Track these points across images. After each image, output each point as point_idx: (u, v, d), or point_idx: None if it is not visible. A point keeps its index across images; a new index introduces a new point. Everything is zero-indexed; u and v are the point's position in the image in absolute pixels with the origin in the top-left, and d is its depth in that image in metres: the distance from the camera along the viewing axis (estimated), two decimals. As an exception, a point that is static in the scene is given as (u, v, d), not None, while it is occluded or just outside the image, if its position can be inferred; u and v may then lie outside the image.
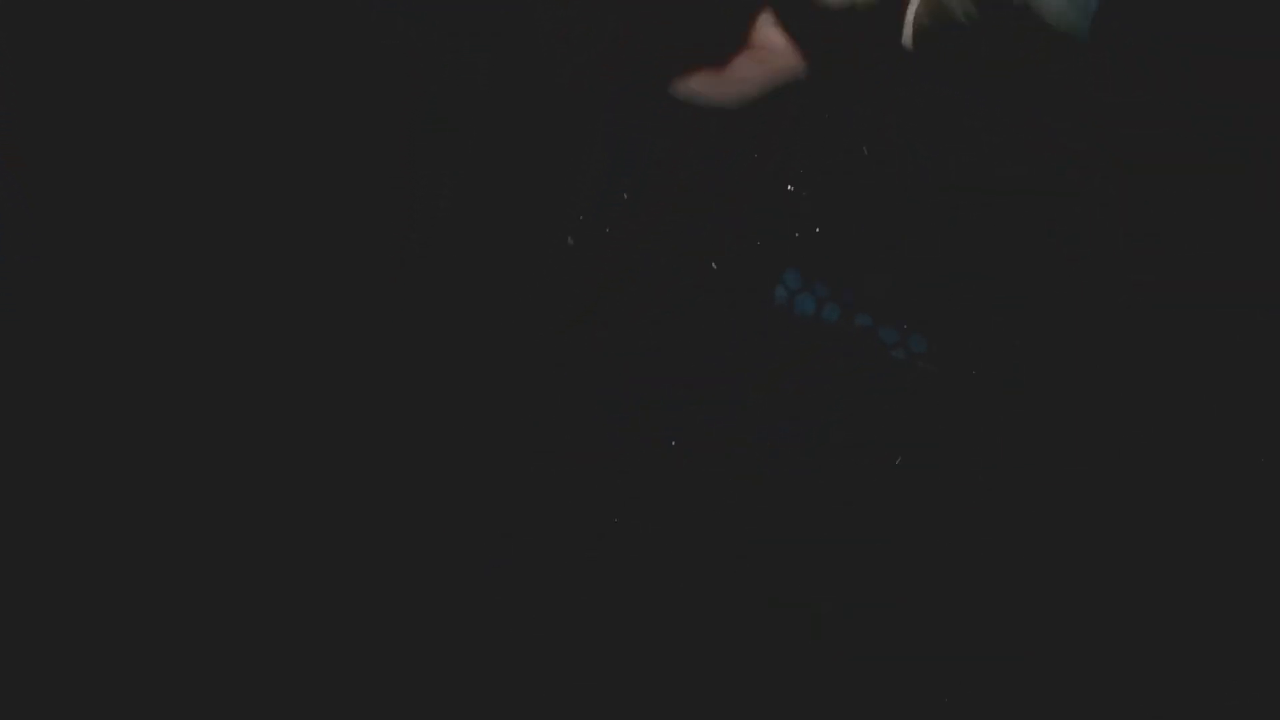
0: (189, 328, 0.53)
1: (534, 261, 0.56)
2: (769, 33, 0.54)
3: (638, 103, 0.54)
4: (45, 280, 0.50)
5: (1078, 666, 0.58)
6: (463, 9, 0.54)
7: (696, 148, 0.58)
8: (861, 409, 0.59)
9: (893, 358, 0.59)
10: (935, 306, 0.60)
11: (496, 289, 0.56)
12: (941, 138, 0.61)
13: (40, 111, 0.53)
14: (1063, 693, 0.58)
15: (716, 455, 0.60)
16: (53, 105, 0.53)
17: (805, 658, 0.59)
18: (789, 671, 0.59)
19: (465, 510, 0.57)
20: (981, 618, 0.59)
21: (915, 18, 0.55)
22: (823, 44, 0.56)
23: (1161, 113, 0.60)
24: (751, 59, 0.57)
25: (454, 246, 0.55)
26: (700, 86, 0.55)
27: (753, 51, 0.56)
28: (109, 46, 0.53)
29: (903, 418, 0.59)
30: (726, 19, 0.59)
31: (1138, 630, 0.59)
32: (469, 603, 0.57)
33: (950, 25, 0.55)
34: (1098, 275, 0.61)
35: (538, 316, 0.56)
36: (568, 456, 0.58)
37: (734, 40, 0.56)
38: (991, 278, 0.61)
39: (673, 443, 0.59)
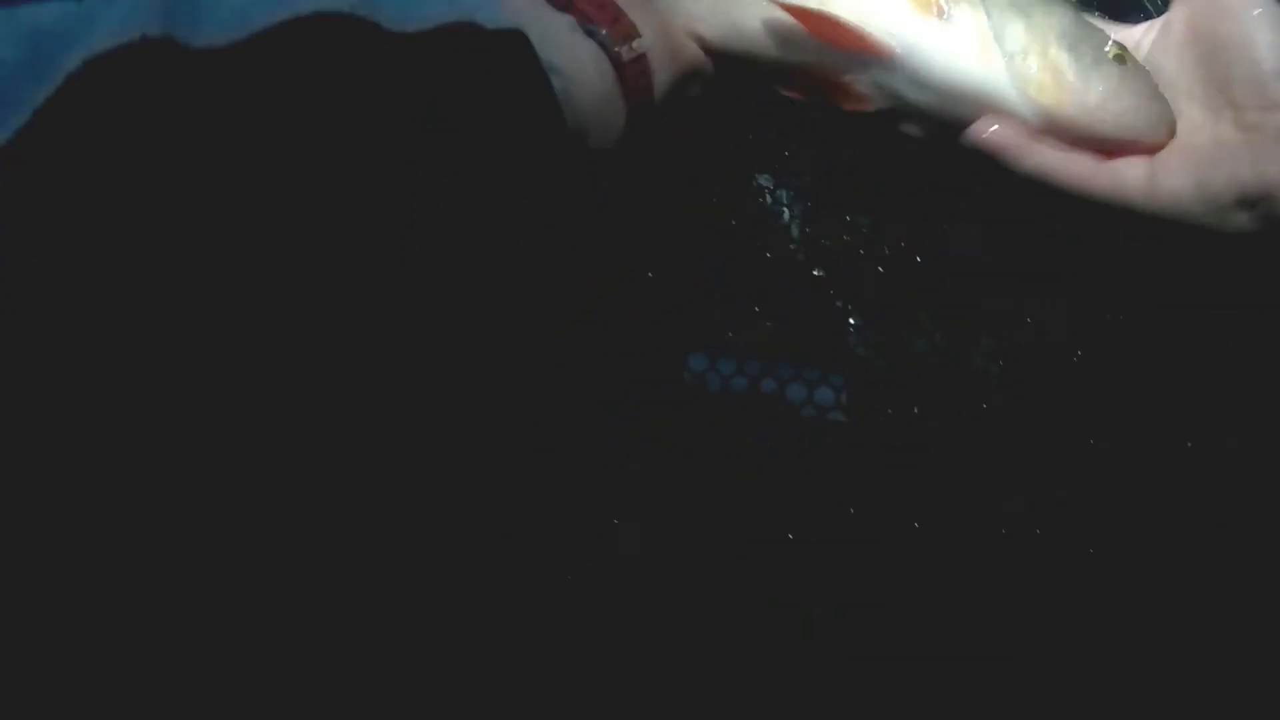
0: (187, 327, 0.52)
1: (534, 262, 0.56)
2: None
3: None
4: (45, 280, 0.50)
5: (1074, 668, 0.59)
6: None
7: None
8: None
9: (803, 415, 0.61)
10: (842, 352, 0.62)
11: (496, 289, 0.56)
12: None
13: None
14: (1060, 695, 0.58)
15: (716, 456, 0.60)
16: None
17: (804, 658, 0.59)
18: (788, 672, 0.59)
19: (465, 510, 0.57)
20: (978, 619, 0.59)
21: None
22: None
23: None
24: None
25: (454, 246, 0.55)
26: None
27: None
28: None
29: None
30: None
31: (1134, 632, 0.59)
32: (469, 603, 0.57)
33: None
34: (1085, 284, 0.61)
35: (538, 316, 0.56)
36: (568, 457, 0.58)
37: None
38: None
39: (673, 445, 0.59)
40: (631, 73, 0.53)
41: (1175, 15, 0.54)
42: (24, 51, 0.38)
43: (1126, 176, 0.53)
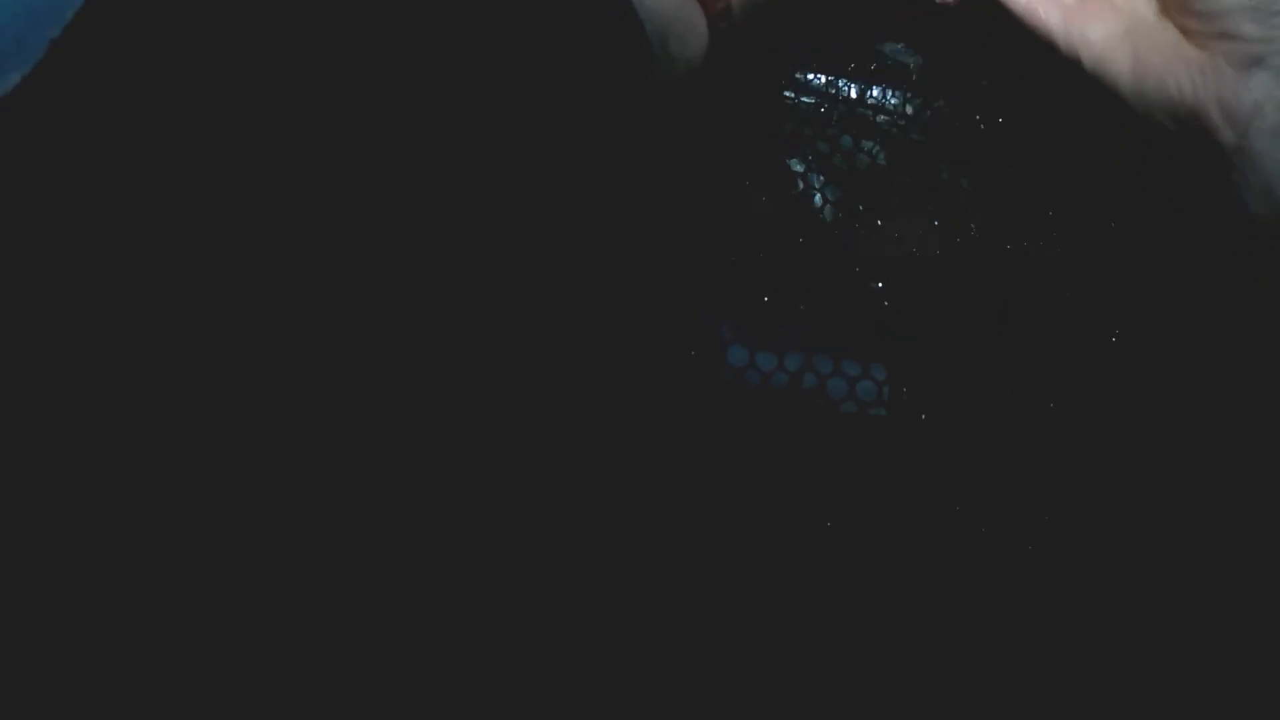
0: (189, 328, 0.52)
1: (550, 260, 0.56)
2: None
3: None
4: (45, 279, 0.49)
5: (1075, 671, 0.59)
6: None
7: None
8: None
9: (843, 411, 0.59)
10: (880, 344, 0.60)
11: (510, 289, 0.56)
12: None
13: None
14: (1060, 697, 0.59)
15: (720, 454, 0.60)
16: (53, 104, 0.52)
17: (804, 658, 0.59)
18: (788, 672, 0.59)
19: (465, 510, 0.56)
20: (978, 622, 0.60)
21: None
22: None
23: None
24: None
25: (466, 247, 0.55)
26: None
27: None
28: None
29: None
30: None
31: (1135, 635, 0.59)
32: (469, 602, 0.57)
33: None
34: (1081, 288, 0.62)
35: (544, 317, 0.56)
36: (572, 454, 0.58)
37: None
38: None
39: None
40: None
41: None
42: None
43: (1090, 36, 0.53)
